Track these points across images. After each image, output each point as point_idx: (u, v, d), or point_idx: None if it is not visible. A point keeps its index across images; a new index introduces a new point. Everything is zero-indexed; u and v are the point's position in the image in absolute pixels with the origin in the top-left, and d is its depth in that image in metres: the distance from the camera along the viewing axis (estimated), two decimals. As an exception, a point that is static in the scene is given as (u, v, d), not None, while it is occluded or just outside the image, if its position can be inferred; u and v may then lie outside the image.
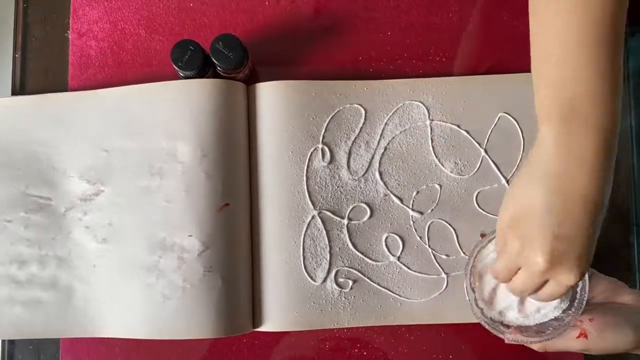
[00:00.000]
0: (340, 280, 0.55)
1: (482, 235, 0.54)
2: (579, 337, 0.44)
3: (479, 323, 0.50)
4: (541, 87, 0.41)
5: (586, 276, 0.45)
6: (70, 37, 0.59)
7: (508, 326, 0.48)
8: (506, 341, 0.46)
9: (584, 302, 0.45)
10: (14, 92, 0.59)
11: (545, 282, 0.41)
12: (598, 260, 0.56)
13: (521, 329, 0.47)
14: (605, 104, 0.39)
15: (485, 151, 0.56)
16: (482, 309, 0.48)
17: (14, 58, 0.59)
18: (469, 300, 0.49)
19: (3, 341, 0.56)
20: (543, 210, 0.39)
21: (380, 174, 0.56)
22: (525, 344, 0.46)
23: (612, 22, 0.38)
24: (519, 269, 0.42)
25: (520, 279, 0.42)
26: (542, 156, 0.40)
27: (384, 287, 0.54)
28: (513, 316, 0.47)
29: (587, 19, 0.39)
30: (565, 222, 0.38)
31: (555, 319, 0.46)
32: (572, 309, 0.45)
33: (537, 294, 0.42)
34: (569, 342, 0.44)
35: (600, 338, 0.43)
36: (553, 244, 0.38)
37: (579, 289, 0.45)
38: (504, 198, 0.43)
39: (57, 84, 0.59)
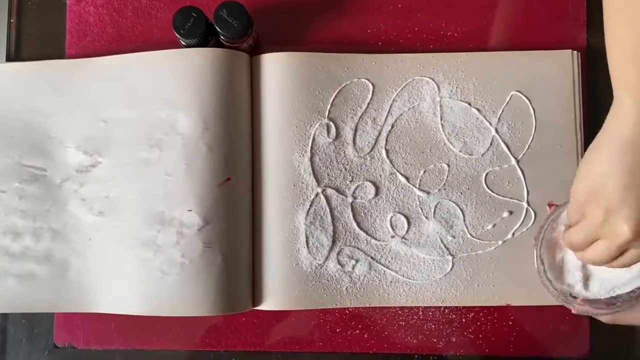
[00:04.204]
0: (343, 259, 0.53)
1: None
2: None
3: (482, 306, 0.48)
4: (619, 53, 0.41)
5: None
6: (67, 2, 0.57)
7: (576, 297, 0.48)
8: (574, 311, 0.47)
9: None
10: (9, 59, 0.57)
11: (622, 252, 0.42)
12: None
13: (590, 300, 0.48)
14: None
15: (496, 130, 0.54)
16: (551, 281, 0.49)
17: (9, 23, 0.57)
18: (539, 270, 0.49)
19: (-4, 314, 0.55)
20: (624, 181, 0.39)
21: (387, 151, 0.54)
22: (594, 316, 0.48)
23: None
24: (596, 239, 0.42)
25: (599, 248, 0.42)
26: (618, 123, 0.40)
27: (387, 268, 0.53)
28: (581, 290, 0.48)
29: None
30: None
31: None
32: None
33: (611, 262, 0.43)
34: None
35: None
36: (638, 214, 0.39)
37: None
38: (578, 168, 0.43)
39: (54, 51, 0.57)
